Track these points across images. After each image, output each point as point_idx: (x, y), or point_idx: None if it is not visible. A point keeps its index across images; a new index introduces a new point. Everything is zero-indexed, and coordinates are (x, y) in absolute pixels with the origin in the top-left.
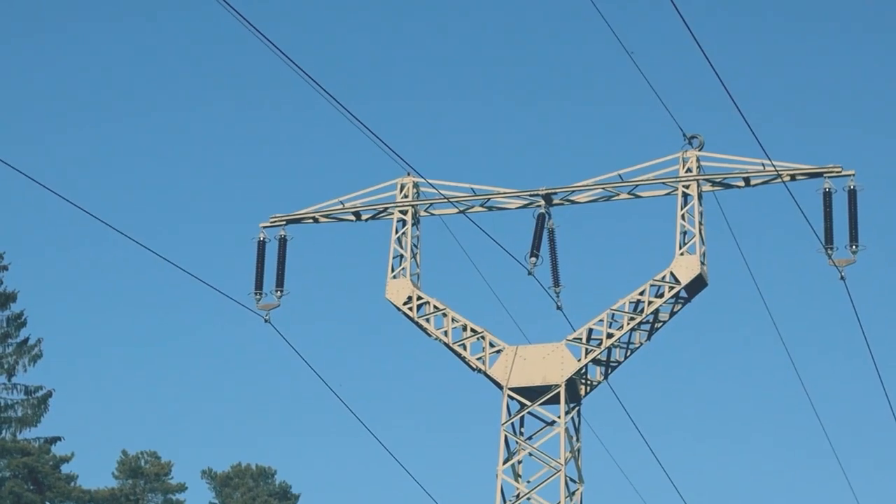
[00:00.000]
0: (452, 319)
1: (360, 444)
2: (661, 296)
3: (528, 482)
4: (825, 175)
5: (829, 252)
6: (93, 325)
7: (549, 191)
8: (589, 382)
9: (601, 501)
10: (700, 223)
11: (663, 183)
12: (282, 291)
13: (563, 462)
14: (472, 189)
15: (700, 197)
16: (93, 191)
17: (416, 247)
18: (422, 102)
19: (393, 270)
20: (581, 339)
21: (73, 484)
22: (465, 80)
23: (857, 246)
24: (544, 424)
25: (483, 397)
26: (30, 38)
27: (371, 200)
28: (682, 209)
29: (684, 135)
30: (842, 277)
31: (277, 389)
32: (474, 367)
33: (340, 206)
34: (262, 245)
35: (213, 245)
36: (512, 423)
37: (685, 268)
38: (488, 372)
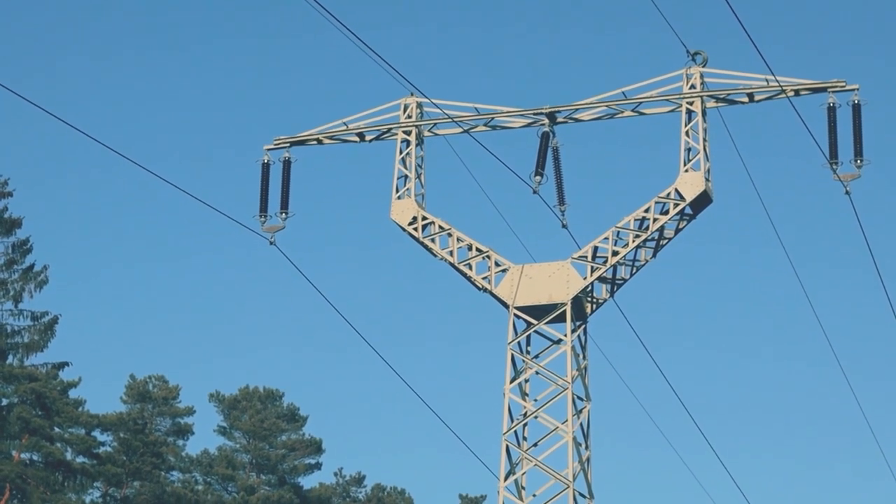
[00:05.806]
0: (458, 239)
1: (367, 365)
2: (667, 213)
3: (536, 400)
4: (829, 90)
5: (834, 167)
6: (98, 250)
7: (553, 109)
8: (595, 300)
9: (608, 418)
10: (704, 140)
11: (667, 100)
12: (286, 213)
13: (569, 380)
14: (475, 108)
15: (704, 113)
16: (97, 116)
17: (421, 167)
18: (425, 23)
19: (398, 191)
20: (586, 257)
21: (80, 409)
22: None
23: (861, 160)
24: (551, 343)
25: (489, 316)
26: None
27: (375, 121)
28: (686, 126)
29: (688, 51)
30: (847, 192)
31: (284, 312)
32: (480, 286)
33: (344, 128)
34: (266, 167)
35: (217, 168)
36: (518, 342)
37: (690, 184)
38: (494, 291)
